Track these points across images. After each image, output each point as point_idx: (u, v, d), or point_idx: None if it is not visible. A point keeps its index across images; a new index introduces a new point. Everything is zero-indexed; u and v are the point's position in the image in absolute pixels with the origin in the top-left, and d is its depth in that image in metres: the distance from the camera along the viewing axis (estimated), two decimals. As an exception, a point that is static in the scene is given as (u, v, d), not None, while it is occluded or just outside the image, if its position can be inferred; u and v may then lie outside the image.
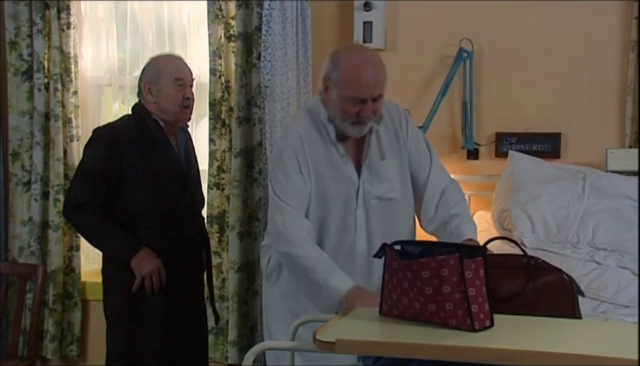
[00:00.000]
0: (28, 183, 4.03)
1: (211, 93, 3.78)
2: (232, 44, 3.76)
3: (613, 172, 3.25)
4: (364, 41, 3.62)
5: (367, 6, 3.58)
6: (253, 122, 3.70)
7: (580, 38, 3.47)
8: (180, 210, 2.89)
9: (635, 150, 3.25)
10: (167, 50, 4.06)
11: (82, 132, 4.06)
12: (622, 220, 3.05)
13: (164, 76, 2.87)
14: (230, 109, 3.77)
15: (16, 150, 4.07)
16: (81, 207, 2.83)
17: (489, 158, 3.47)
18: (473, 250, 1.85)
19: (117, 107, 4.14)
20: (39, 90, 3.99)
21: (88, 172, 2.85)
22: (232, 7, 3.76)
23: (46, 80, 4.00)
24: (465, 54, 3.49)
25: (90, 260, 4.18)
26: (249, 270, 3.73)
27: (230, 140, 3.76)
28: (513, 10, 3.52)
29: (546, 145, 3.47)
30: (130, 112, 2.99)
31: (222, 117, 3.78)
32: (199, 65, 3.98)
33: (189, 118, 2.95)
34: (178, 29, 4.09)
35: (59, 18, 3.96)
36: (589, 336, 1.77)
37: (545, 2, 3.48)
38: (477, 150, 3.56)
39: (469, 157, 3.56)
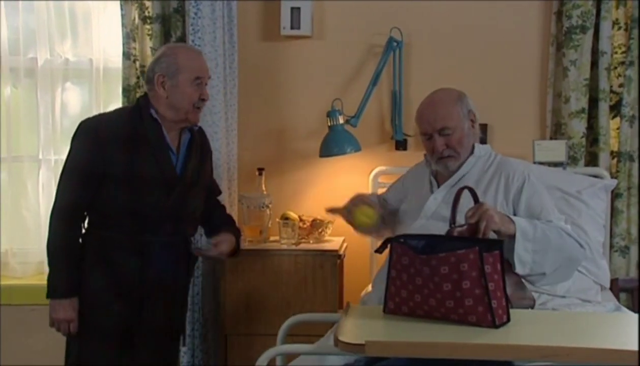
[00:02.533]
0: None
1: (125, 79, 3.52)
2: (148, 26, 3.52)
3: (540, 163, 3.33)
4: (292, 28, 3.50)
5: (295, -9, 3.46)
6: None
7: (504, 32, 3.53)
8: (160, 215, 2.65)
9: (561, 142, 3.35)
10: (68, 30, 3.75)
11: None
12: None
13: (183, 72, 2.65)
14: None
15: None
16: (63, 213, 2.62)
17: (418, 149, 3.44)
18: (490, 243, 1.81)
19: (9, 91, 3.77)
20: None
21: (72, 169, 2.64)
22: (147, -13, 3.51)
23: None
24: (394, 44, 3.46)
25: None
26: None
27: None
28: (441, 2, 3.53)
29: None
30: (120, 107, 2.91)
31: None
32: (105, 48, 3.70)
33: (199, 120, 2.76)
34: (81, 8, 3.77)
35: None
36: (600, 329, 1.78)
37: (472, -5, 3.53)
38: (405, 141, 3.54)
39: (397, 148, 3.54)
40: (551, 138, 3.47)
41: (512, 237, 2.22)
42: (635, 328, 1.67)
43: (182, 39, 3.43)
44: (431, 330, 1.73)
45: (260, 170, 3.35)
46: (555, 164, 3.35)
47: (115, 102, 3.62)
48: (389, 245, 1.92)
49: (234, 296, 3.15)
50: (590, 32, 3.38)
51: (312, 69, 3.59)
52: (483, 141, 3.40)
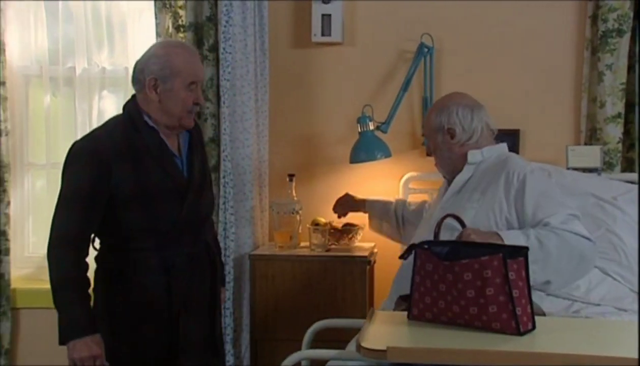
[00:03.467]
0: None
1: (159, 87, 3.56)
2: (181, 35, 3.57)
3: (574, 169, 3.29)
4: (322, 34, 3.51)
5: (326, -1, 3.47)
6: (205, 117, 3.52)
7: (537, 35, 3.50)
8: (177, 226, 2.47)
9: (595, 147, 3.30)
10: (105, 40, 3.82)
11: (11, 126, 3.77)
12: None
13: (177, 77, 2.45)
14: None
15: None
16: (65, 242, 2.37)
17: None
18: (515, 250, 1.79)
19: (49, 100, 3.85)
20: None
21: (72, 197, 2.40)
22: (181, -4, 3.57)
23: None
24: (425, 50, 3.45)
25: (17, 265, 3.87)
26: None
27: (181, 137, 3.56)
28: (472, 7, 3.51)
29: (505, 142, 3.45)
30: (115, 114, 2.61)
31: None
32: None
33: (192, 124, 2.56)
34: (117, 17, 3.84)
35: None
36: (629, 337, 1.74)
37: (504, 1, 3.49)
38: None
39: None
40: (586, 144, 3.42)
41: None
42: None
43: (215, 46, 3.46)
44: (454, 336, 1.72)
45: (291, 176, 3.37)
46: (590, 170, 3.30)
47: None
48: (413, 252, 1.92)
49: (264, 301, 3.17)
50: (627, 36, 3.33)
51: (343, 75, 3.60)
52: (513, 148, 3.39)
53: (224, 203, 3.22)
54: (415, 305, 1.86)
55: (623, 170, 3.38)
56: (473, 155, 2.60)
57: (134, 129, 2.46)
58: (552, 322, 1.85)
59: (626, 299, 2.92)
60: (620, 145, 3.35)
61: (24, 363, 3.81)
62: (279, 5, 3.58)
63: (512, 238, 2.28)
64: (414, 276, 1.87)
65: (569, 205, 2.47)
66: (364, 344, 1.60)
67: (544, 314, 2.30)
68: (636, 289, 2.97)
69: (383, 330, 1.79)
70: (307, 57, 3.62)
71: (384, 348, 1.56)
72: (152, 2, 3.56)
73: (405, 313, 1.89)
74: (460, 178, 2.60)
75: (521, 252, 1.79)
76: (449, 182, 2.72)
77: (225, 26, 3.25)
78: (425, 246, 1.88)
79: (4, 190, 3.72)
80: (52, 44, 3.86)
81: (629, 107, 3.37)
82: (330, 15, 3.50)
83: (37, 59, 3.87)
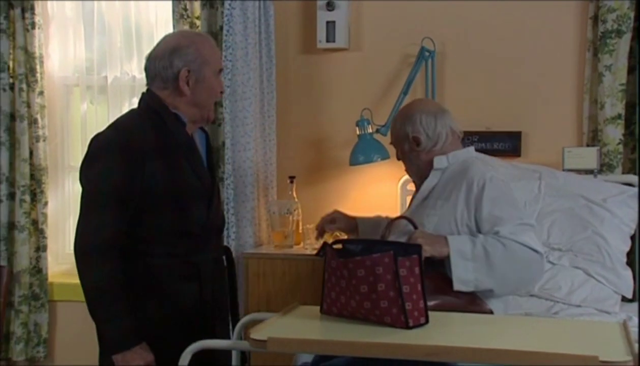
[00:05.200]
0: (-5, 184, 4.02)
1: (176, 94, 3.78)
2: (197, 44, 3.76)
3: (570, 170, 3.27)
4: (327, 41, 3.63)
5: (330, 6, 3.59)
6: (218, 122, 3.70)
7: (538, 37, 3.49)
8: (206, 230, 2.34)
9: (592, 149, 3.27)
10: (134, 50, 4.07)
11: (49, 132, 4.07)
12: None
13: (207, 65, 2.31)
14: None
15: (-18, 151, 4.05)
16: (101, 250, 2.17)
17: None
18: (408, 248, 1.86)
19: (85, 107, 4.14)
20: (4, 90, 3.97)
21: (104, 197, 2.18)
22: (197, 7, 3.76)
23: (11, 81, 3.99)
24: (427, 53, 3.51)
25: (58, 261, 4.19)
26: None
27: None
28: (474, 10, 3.54)
29: (507, 144, 3.49)
30: (124, 112, 2.49)
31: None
32: (165, 65, 3.98)
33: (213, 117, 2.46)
34: (145, 28, 4.09)
35: (23, 18, 3.95)
36: (519, 332, 1.79)
37: (505, 2, 3.50)
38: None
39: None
40: (588, 145, 3.39)
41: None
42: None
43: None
44: (348, 329, 1.81)
45: (292, 178, 3.51)
46: (587, 171, 3.27)
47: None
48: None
49: (257, 298, 3.30)
50: (627, 37, 3.28)
51: (348, 80, 3.71)
52: (515, 150, 3.40)
53: (226, 204, 3.39)
54: (324, 300, 1.96)
55: (626, 172, 3.33)
56: (439, 161, 2.62)
57: (161, 120, 2.28)
58: (450, 317, 1.91)
59: (609, 301, 2.92)
60: (620, 146, 3.30)
61: (60, 351, 4.11)
62: (287, 13, 3.73)
63: (458, 243, 2.33)
64: (324, 272, 1.97)
65: (526, 214, 2.50)
66: (252, 335, 1.72)
67: (491, 312, 2.34)
68: (620, 291, 2.95)
69: (290, 322, 1.90)
70: (314, 62, 3.75)
71: (265, 338, 1.68)
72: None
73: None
74: (427, 185, 2.63)
75: (415, 250, 1.85)
76: (419, 188, 2.77)
77: (226, 35, 3.42)
78: (339, 244, 1.97)
79: (42, 192, 4.03)
80: (89, 54, 4.16)
81: (632, 108, 3.31)
82: (334, 21, 3.62)
83: (75, 69, 4.18)
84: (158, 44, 2.36)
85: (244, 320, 2.08)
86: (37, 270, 4.05)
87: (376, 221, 3.02)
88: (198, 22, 3.76)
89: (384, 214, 3.26)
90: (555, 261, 3.00)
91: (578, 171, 3.28)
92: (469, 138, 3.51)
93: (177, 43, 2.31)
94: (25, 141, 3.98)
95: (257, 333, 1.73)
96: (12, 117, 4.01)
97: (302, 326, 1.86)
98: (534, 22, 3.49)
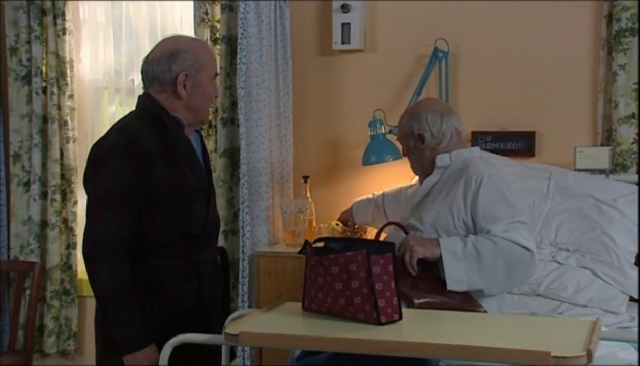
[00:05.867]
0: (27, 184, 4.19)
1: (197, 96, 3.87)
2: (218, 47, 3.86)
3: (582, 170, 3.25)
4: (343, 43, 3.68)
5: (345, 8, 3.63)
6: (237, 123, 3.78)
7: (552, 37, 3.47)
8: (205, 230, 2.39)
9: (604, 149, 3.24)
10: (159, 53, 4.18)
11: (79, 134, 4.22)
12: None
13: (203, 70, 2.35)
14: (216, 111, 3.86)
15: (17, 152, 4.22)
16: (110, 251, 2.21)
17: (463, 157, 3.49)
18: (382, 246, 1.91)
19: (114, 109, 4.28)
20: (37, 93, 4.14)
21: (111, 199, 2.21)
22: (217, 11, 3.86)
23: (44, 84, 4.15)
24: (440, 54, 3.53)
25: (87, 258, 4.33)
26: (234, 268, 3.81)
27: (216, 141, 3.85)
28: (487, 10, 3.54)
29: (521, 144, 3.48)
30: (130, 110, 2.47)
31: (209, 118, 3.88)
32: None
33: (208, 120, 2.57)
34: (170, 31, 4.19)
35: (55, 24, 4.10)
36: (488, 329, 1.82)
37: (518, 2, 3.49)
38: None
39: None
40: (602, 145, 3.36)
41: None
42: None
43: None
44: (321, 325, 1.86)
45: (305, 177, 3.57)
46: (599, 172, 3.25)
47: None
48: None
49: (268, 295, 3.37)
50: (641, 35, 3.25)
51: (364, 81, 3.75)
52: (529, 150, 3.40)
53: (241, 203, 3.47)
54: (305, 297, 2.01)
55: (640, 172, 3.30)
56: (441, 159, 2.67)
57: (161, 124, 2.32)
58: (425, 314, 1.94)
59: (615, 301, 2.90)
60: (634, 146, 3.26)
61: (90, 345, 4.21)
62: (304, 15, 3.80)
63: (449, 244, 2.38)
64: (305, 269, 2.03)
65: (520, 211, 2.49)
66: (227, 330, 1.79)
67: (485, 312, 2.36)
68: (627, 291, 2.93)
69: (270, 317, 1.96)
70: (330, 64, 3.80)
71: (237, 332, 1.74)
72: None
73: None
74: (429, 182, 2.68)
75: (388, 248, 1.89)
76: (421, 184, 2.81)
77: (240, 38, 3.50)
78: (321, 242, 2.03)
79: (72, 191, 4.18)
80: (118, 58, 4.29)
81: (648, 107, 3.28)
82: (349, 23, 3.66)
83: (105, 72, 4.32)
84: (155, 48, 2.40)
85: (232, 315, 2.15)
86: (68, 266, 4.20)
87: (367, 201, 3.36)
88: (218, 26, 3.85)
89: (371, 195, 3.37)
90: (562, 261, 2.99)
91: (590, 171, 3.25)
92: (482, 138, 3.53)
93: (175, 48, 2.35)
94: (56, 142, 4.13)
95: (232, 328, 1.79)
96: (44, 119, 4.17)
97: (279, 321, 1.92)
98: (548, 21, 3.47)
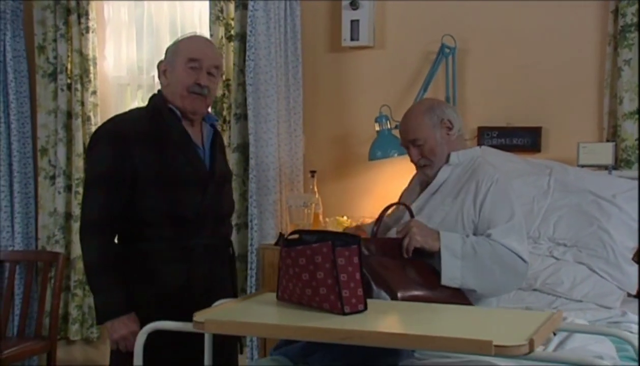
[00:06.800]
0: (53, 177, 4.35)
1: (212, 91, 3.97)
2: (232, 44, 3.95)
3: (585, 166, 3.24)
4: (352, 39, 3.73)
5: (354, 5, 3.69)
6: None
7: (559, 32, 3.47)
8: (199, 216, 2.47)
9: (607, 145, 3.23)
10: (179, 50, 4.29)
11: (101, 129, 4.36)
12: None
13: (178, 56, 2.49)
14: (230, 106, 3.95)
15: (44, 146, 4.39)
16: (94, 227, 2.40)
17: (470, 152, 3.51)
18: (348, 239, 1.96)
19: (136, 104, 4.39)
20: (62, 90, 4.29)
21: (97, 180, 2.41)
22: (232, 9, 3.95)
23: (68, 81, 4.31)
24: (447, 50, 3.55)
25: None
26: (245, 260, 3.90)
27: (230, 136, 3.95)
28: (494, 7, 3.56)
29: (527, 139, 3.49)
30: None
31: (224, 114, 3.97)
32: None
33: (201, 110, 2.53)
34: (189, 29, 4.29)
35: (79, 23, 4.25)
36: (446, 319, 1.86)
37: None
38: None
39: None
40: (607, 141, 3.35)
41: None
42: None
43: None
44: (288, 314, 1.92)
45: (312, 172, 3.63)
46: (600, 167, 3.24)
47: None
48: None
49: (272, 287, 3.40)
50: (647, 30, 3.23)
51: (373, 77, 3.80)
52: (535, 145, 3.40)
53: (250, 196, 3.55)
54: (279, 287, 2.07)
55: (644, 168, 3.27)
56: (453, 157, 2.61)
57: (160, 116, 2.48)
58: (391, 305, 1.99)
59: (611, 296, 2.91)
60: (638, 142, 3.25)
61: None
62: (314, 12, 3.87)
63: (449, 240, 2.38)
64: (279, 261, 2.09)
65: (523, 222, 2.48)
66: (195, 318, 1.86)
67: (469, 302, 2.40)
68: (624, 287, 2.93)
69: (243, 306, 2.03)
70: (340, 60, 3.86)
71: (203, 320, 1.82)
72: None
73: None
74: (438, 180, 2.63)
75: (354, 241, 1.94)
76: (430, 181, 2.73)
77: (249, 36, 3.58)
78: (296, 235, 2.09)
79: (93, 185, 4.31)
80: (140, 55, 4.42)
81: (655, 102, 3.26)
82: (358, 20, 3.71)
83: (128, 69, 4.45)
84: None
85: (215, 304, 2.22)
86: (91, 257, 4.33)
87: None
88: (232, 24, 3.94)
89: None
90: (559, 256, 3.00)
91: (594, 167, 3.25)
92: (488, 133, 3.55)
93: (172, 43, 2.59)
94: (79, 137, 4.28)
95: (200, 316, 1.87)
96: (69, 114, 4.32)
97: (249, 310, 1.99)
98: (555, 17, 3.47)
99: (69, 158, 4.33)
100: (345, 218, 3.55)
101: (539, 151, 3.47)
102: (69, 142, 4.32)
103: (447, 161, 2.61)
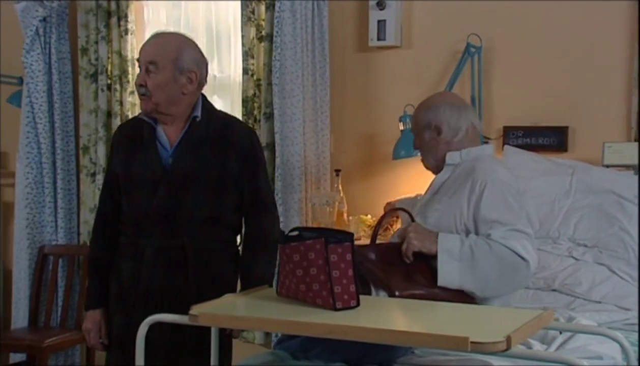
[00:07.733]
0: (94, 175, 4.49)
1: (244, 91, 4.04)
2: (263, 44, 4.01)
3: (610, 166, 3.20)
4: (378, 39, 3.75)
5: (381, 5, 3.71)
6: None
7: (585, 31, 3.42)
8: (149, 216, 2.54)
9: (633, 144, 3.18)
10: (214, 50, 4.38)
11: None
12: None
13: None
14: (260, 106, 4.01)
15: (85, 145, 4.54)
16: (95, 225, 2.74)
17: (497, 152, 3.48)
18: (342, 236, 1.99)
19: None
20: (102, 90, 4.43)
21: (103, 183, 2.78)
22: (263, 9, 4.01)
23: (108, 82, 4.44)
24: (473, 49, 3.54)
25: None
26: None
27: (260, 135, 4.01)
28: (520, 5, 3.53)
29: (553, 139, 3.45)
30: None
31: (255, 113, 4.04)
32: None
33: (147, 110, 2.53)
34: (224, 30, 4.39)
35: (118, 25, 4.38)
36: (431, 316, 1.88)
37: (552, -2, 3.47)
38: (486, 144, 3.59)
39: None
40: (636, 141, 3.29)
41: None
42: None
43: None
44: (282, 309, 1.96)
45: (337, 171, 3.67)
46: (627, 167, 3.19)
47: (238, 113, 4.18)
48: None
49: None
50: (676, 27, 3.16)
51: (398, 77, 3.81)
52: (561, 145, 3.37)
53: (276, 195, 3.61)
54: (278, 283, 2.12)
55: (675, 169, 3.20)
56: (451, 157, 2.63)
57: (139, 120, 2.61)
58: (383, 302, 2.01)
59: (631, 298, 2.85)
60: (666, 141, 3.18)
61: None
62: (342, 13, 3.90)
63: (447, 242, 2.37)
64: (279, 257, 2.14)
65: (523, 221, 2.44)
66: (191, 311, 1.92)
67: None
68: (646, 288, 2.88)
69: (241, 301, 2.09)
70: (367, 60, 3.88)
71: (197, 313, 1.88)
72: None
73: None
74: (439, 179, 2.66)
75: (347, 238, 1.97)
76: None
77: (275, 37, 3.64)
78: (296, 232, 2.13)
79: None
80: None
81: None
82: (385, 20, 3.73)
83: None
84: None
85: (218, 299, 2.28)
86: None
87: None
88: (263, 24, 4.00)
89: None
90: (578, 256, 2.97)
91: (619, 167, 3.20)
92: (513, 133, 3.53)
93: None
94: (118, 136, 4.40)
95: (196, 309, 1.93)
96: (109, 114, 4.46)
97: (247, 304, 2.04)
98: (582, 14, 3.43)
99: (107, 157, 4.45)
100: (369, 216, 3.58)
101: (565, 151, 3.44)
102: (109, 141, 4.45)
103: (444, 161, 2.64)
